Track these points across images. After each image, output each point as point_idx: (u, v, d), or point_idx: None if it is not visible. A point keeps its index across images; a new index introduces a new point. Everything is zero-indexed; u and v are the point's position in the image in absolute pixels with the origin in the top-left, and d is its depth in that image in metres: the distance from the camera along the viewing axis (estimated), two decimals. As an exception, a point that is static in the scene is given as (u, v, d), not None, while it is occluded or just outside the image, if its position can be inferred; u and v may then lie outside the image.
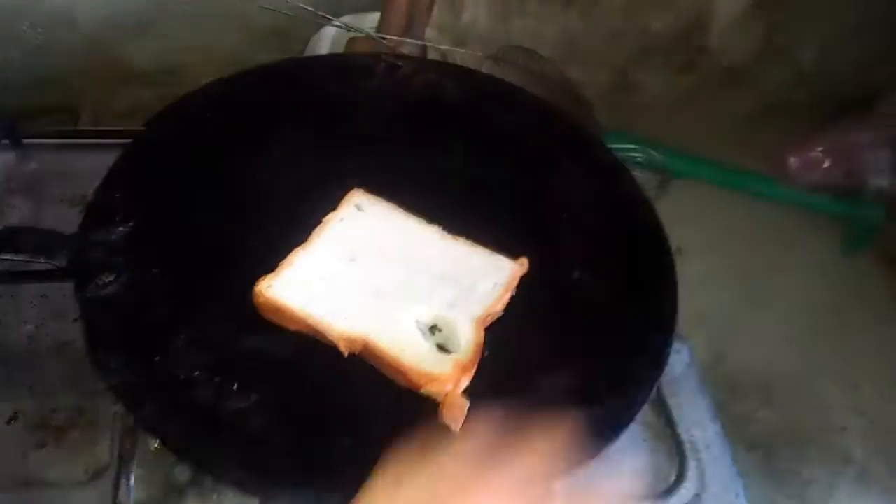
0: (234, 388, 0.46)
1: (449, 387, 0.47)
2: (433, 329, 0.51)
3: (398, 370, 0.47)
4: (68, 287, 0.50)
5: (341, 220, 0.55)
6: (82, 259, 0.50)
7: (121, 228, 0.53)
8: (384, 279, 0.52)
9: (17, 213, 0.66)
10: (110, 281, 0.50)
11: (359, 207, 0.56)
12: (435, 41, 0.96)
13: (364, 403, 0.48)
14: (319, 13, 0.91)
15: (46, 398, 0.54)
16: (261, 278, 0.50)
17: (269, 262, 0.52)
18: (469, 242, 0.55)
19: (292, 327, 0.50)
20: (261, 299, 0.49)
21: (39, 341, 0.57)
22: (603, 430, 0.48)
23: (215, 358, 0.48)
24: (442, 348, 0.49)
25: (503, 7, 1.07)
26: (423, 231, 0.56)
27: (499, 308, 0.52)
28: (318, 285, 0.51)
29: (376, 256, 0.53)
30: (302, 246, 0.53)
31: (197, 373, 0.47)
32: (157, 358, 0.47)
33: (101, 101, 1.04)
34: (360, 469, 0.43)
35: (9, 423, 0.53)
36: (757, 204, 1.16)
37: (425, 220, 0.56)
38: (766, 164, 1.18)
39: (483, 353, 0.49)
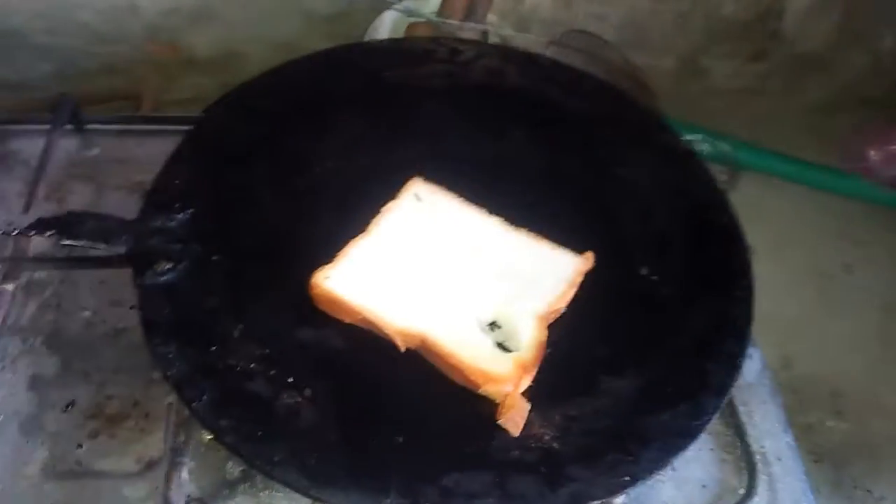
0: (290, 381, 0.45)
1: (509, 387, 0.45)
2: (493, 326, 0.49)
3: (456, 368, 0.46)
4: (126, 274, 0.49)
5: (400, 209, 0.54)
6: (141, 246, 0.50)
7: (180, 216, 0.52)
8: (443, 272, 0.50)
9: (79, 199, 0.66)
10: (169, 269, 0.49)
11: (418, 197, 0.55)
12: (496, 26, 0.94)
13: (420, 401, 0.46)
14: (378, -1, 0.90)
15: (102, 386, 0.54)
16: (318, 269, 0.49)
17: (328, 251, 0.50)
18: (532, 235, 0.53)
19: (348, 319, 0.48)
20: (317, 290, 0.48)
21: (96, 328, 0.57)
22: (672, 438, 0.45)
23: (272, 350, 0.47)
24: (502, 346, 0.47)
25: (567, -9, 1.04)
26: (483, 223, 0.54)
27: (562, 305, 0.50)
28: (375, 278, 0.49)
29: (436, 249, 0.52)
30: (360, 236, 0.51)
31: (253, 364, 0.46)
32: (214, 348, 0.46)
33: (162, 89, 1.05)
34: (413, 469, 0.42)
35: (65, 410, 0.53)
36: (831, 199, 1.10)
37: (486, 212, 0.54)
38: (841, 158, 1.12)
39: (545, 352, 0.47)
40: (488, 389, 0.45)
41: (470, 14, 0.90)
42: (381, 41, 0.86)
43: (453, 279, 0.50)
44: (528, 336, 0.47)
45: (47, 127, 0.67)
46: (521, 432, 0.44)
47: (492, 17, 0.95)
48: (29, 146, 0.69)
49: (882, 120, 1.13)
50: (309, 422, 0.44)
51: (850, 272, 1.06)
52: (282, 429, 0.43)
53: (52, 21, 1.02)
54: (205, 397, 0.43)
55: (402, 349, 0.47)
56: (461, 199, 0.55)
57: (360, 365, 0.47)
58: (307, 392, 0.45)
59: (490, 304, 0.49)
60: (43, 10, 1.00)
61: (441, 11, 0.89)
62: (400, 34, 0.90)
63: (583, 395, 0.47)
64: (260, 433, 0.42)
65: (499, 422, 0.44)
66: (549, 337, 0.48)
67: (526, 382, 0.46)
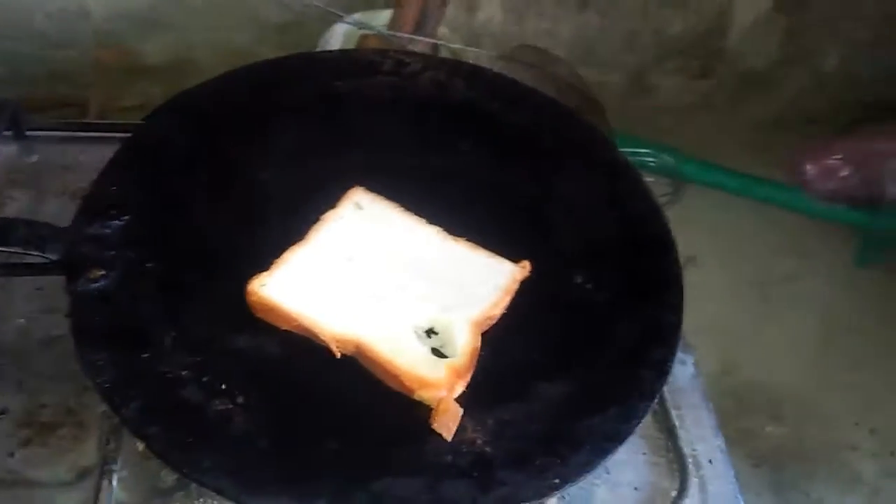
0: (223, 388, 0.45)
1: (443, 392, 0.45)
2: (429, 332, 0.49)
3: (391, 373, 0.46)
4: (62, 281, 0.49)
5: (340, 218, 0.54)
6: (74, 253, 0.49)
7: (115, 223, 0.52)
8: (381, 280, 0.51)
9: (17, 206, 0.65)
10: (102, 275, 0.49)
11: (358, 206, 0.55)
12: (447, 40, 0.95)
13: (354, 407, 0.46)
14: (331, 10, 0.90)
15: (35, 394, 0.53)
16: (254, 276, 0.49)
17: (266, 260, 0.50)
18: (469, 244, 0.54)
19: (285, 326, 0.49)
20: (254, 297, 0.48)
21: (30, 335, 0.56)
22: (601, 442, 0.46)
23: (205, 357, 0.46)
24: (437, 352, 0.48)
25: (518, 6, 1.06)
26: (422, 232, 0.54)
27: (497, 312, 0.51)
28: (312, 285, 0.50)
29: (374, 256, 0.52)
30: (298, 244, 0.52)
31: (185, 372, 0.46)
32: (146, 355, 0.46)
33: (110, 96, 1.04)
34: (345, 475, 0.42)
35: (-4, 418, 0.52)
36: (772, 212, 1.13)
37: (425, 221, 0.55)
38: (783, 172, 1.16)
39: (479, 358, 0.48)
40: (423, 395, 0.45)
41: (420, 27, 0.92)
42: (328, 52, 0.87)
43: (390, 286, 0.51)
44: (463, 342, 0.48)
45: (-15, 133, 0.66)
46: (455, 437, 0.45)
47: (443, 31, 0.97)
48: (-34, 152, 0.68)
49: (821, 136, 1.17)
50: (241, 429, 0.44)
51: (791, 282, 1.09)
52: (213, 436, 0.43)
53: (3, 25, 1.01)
54: (133, 404, 0.43)
55: (338, 355, 0.47)
56: (401, 208, 0.56)
57: (295, 372, 0.48)
58: (240, 399, 0.45)
59: (426, 311, 0.50)
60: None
61: (391, 24, 0.90)
62: (351, 46, 0.91)
63: (516, 400, 0.47)
64: (190, 440, 0.42)
65: (433, 426, 0.45)
66: (484, 343, 0.49)
67: (460, 388, 0.47)
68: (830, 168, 1.08)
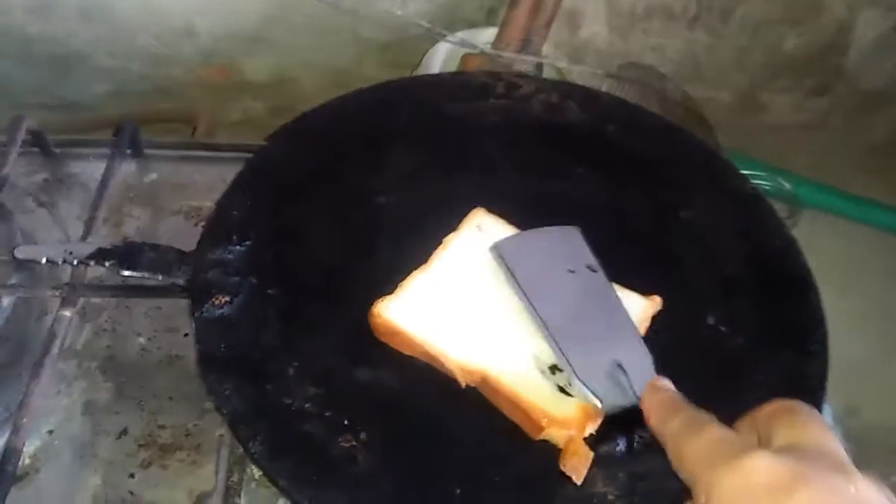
0: (345, 423, 0.44)
1: (572, 431, 0.43)
2: (553, 369, 0.47)
3: (519, 407, 0.44)
4: (180, 301, 0.49)
5: (462, 241, 0.52)
6: (199, 278, 0.49)
7: (238, 247, 0.52)
8: (505, 308, 0.49)
9: (136, 224, 0.67)
10: (226, 301, 0.49)
11: (480, 228, 0.53)
12: (551, 57, 0.93)
13: (479, 450, 0.45)
14: (434, 28, 0.90)
15: (154, 414, 0.54)
16: (379, 299, 0.48)
17: (386, 286, 0.49)
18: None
19: (408, 352, 0.47)
20: (378, 320, 0.47)
21: (151, 354, 0.57)
22: None
23: (327, 389, 0.46)
24: (563, 390, 0.46)
25: (624, 23, 1.03)
26: None
27: None
28: (436, 310, 0.48)
29: (497, 283, 0.50)
30: (421, 268, 0.50)
31: (308, 405, 0.45)
32: (269, 386, 0.45)
33: (215, 111, 1.06)
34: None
35: (119, 437, 0.52)
36: (894, 240, 1.06)
37: None
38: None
39: None
40: (551, 432, 0.43)
41: (525, 46, 0.90)
42: (440, 74, 0.86)
43: (515, 316, 0.49)
44: None
45: (107, 151, 0.68)
46: (584, 490, 0.42)
47: (546, 49, 0.95)
48: (88, 169, 0.70)
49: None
50: (364, 468, 0.42)
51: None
52: (337, 474, 0.42)
53: (113, 44, 1.05)
54: (260, 437, 0.42)
55: (463, 385, 0.46)
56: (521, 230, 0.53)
57: (418, 408, 0.46)
58: (363, 436, 0.44)
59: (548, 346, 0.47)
60: (105, 34, 1.02)
61: (496, 43, 0.89)
62: (454, 65, 0.90)
63: (650, 452, 0.45)
64: (315, 478, 0.41)
65: (562, 468, 0.42)
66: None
67: (590, 429, 0.44)
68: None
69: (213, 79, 1.09)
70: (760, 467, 0.32)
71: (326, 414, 0.44)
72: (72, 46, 1.03)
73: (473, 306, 0.49)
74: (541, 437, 0.44)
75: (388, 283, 0.49)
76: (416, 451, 0.44)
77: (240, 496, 0.47)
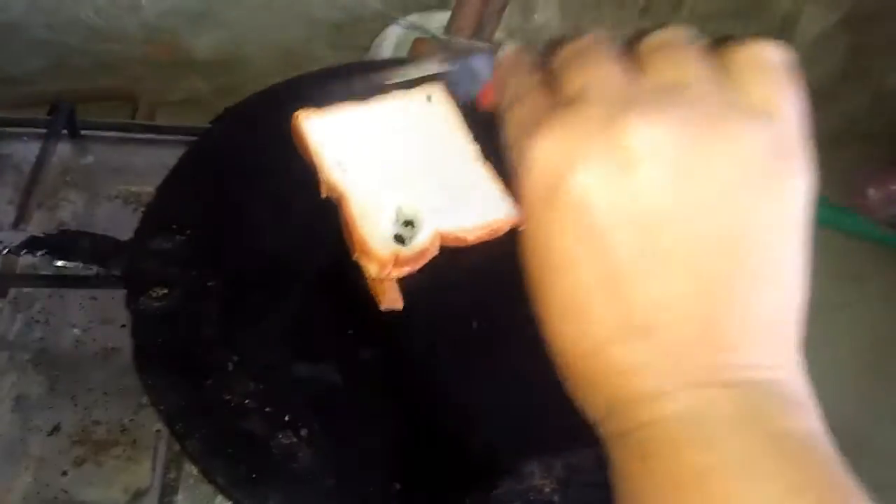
0: (286, 419, 0.44)
1: (375, 268, 0.45)
2: (407, 223, 0.47)
3: (350, 231, 0.46)
4: (117, 291, 0.48)
5: (408, 98, 0.53)
6: (136, 269, 0.48)
7: (178, 237, 0.50)
8: (404, 162, 0.50)
9: (72, 209, 0.64)
10: (164, 293, 0.47)
11: (429, 99, 0.53)
12: (504, 43, 0.93)
13: (418, 446, 0.45)
14: (387, 10, 0.88)
15: (89, 410, 0.52)
16: (306, 108, 0.49)
17: (332, 278, 0.49)
18: (493, 171, 0.51)
19: (306, 159, 0.49)
20: (294, 123, 0.49)
21: (86, 346, 0.56)
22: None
23: (267, 385, 0.45)
24: (399, 238, 0.46)
25: (577, 10, 1.03)
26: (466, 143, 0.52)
27: (469, 238, 0.48)
28: (346, 136, 0.49)
29: (414, 140, 0.51)
30: (362, 103, 0.51)
31: (247, 401, 0.44)
32: (209, 381, 0.44)
33: (159, 90, 1.03)
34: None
35: (50, 434, 0.51)
36: (829, 235, 1.09)
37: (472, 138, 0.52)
38: (840, 193, 1.12)
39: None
40: (360, 259, 0.45)
41: (478, 31, 0.89)
42: (389, 59, 0.85)
43: (405, 171, 0.49)
44: (422, 241, 0.46)
45: (42, 131, 0.65)
46: (522, 484, 0.43)
47: (499, 35, 0.94)
48: (21, 150, 0.67)
49: (883, 158, 1.13)
50: (305, 465, 0.42)
51: (845, 309, 1.05)
52: (276, 471, 0.41)
53: (51, 16, 1.00)
54: (197, 434, 0.42)
55: (324, 195, 0.47)
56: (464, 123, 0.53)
57: (358, 404, 0.46)
58: (303, 432, 0.43)
59: (416, 203, 0.48)
60: (42, 4, 0.97)
61: (449, 28, 0.88)
62: (406, 49, 0.89)
63: (585, 444, 0.45)
64: (254, 475, 0.41)
65: (381, 308, 0.45)
66: (535, 359, 0.46)
67: (394, 274, 0.46)
68: (893, 193, 1.04)
69: (156, 56, 1.05)
70: (580, 117, 0.27)
71: (266, 410, 0.44)
72: (6, 16, 0.98)
73: (379, 148, 0.50)
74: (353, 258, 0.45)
75: (333, 274, 0.49)
76: (356, 447, 0.44)
77: (177, 493, 0.46)
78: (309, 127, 0.49)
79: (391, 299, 0.46)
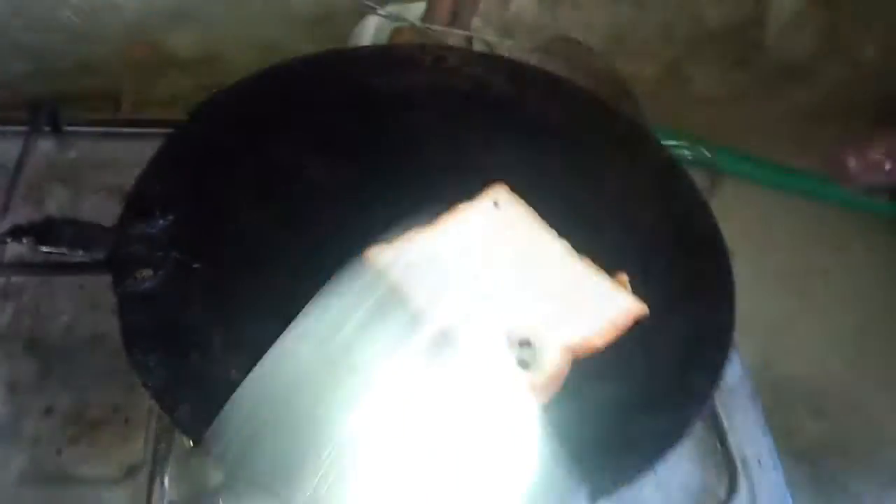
0: (271, 390, 0.45)
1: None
2: (523, 343, 0.47)
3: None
4: (105, 278, 0.49)
5: (475, 212, 0.53)
6: (121, 253, 0.49)
7: (161, 222, 0.51)
8: (494, 279, 0.49)
9: (56, 203, 0.65)
10: (149, 276, 0.48)
11: (496, 204, 0.54)
12: (481, 31, 0.94)
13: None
14: (364, 2, 0.89)
15: (81, 392, 0.53)
16: (375, 245, 0.49)
17: (311, 258, 0.50)
18: (590, 264, 0.52)
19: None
20: (367, 259, 0.48)
21: (75, 333, 0.57)
22: (652, 446, 0.45)
23: (251, 359, 0.46)
24: (523, 363, 0.46)
25: (553, -1, 1.05)
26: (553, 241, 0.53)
27: (598, 343, 0.48)
28: (425, 266, 0.48)
29: (502, 256, 0.51)
30: (427, 227, 0.51)
31: (234, 372, 0.45)
32: (195, 356, 0.46)
33: (141, 89, 1.03)
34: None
35: (44, 415, 0.52)
36: (811, 205, 1.11)
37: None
38: (822, 165, 1.14)
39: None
40: None
41: (455, 19, 0.90)
42: (366, 47, 0.86)
43: (497, 289, 0.49)
44: (550, 362, 0.47)
45: (25, 129, 0.66)
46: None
47: (476, 23, 0.95)
48: (5, 147, 0.68)
49: (863, 129, 1.15)
50: (291, 431, 0.43)
51: (829, 275, 1.07)
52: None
53: (31, 18, 1.01)
54: (184, 406, 0.43)
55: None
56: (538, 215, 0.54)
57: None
58: (289, 401, 0.45)
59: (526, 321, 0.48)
60: (22, 6, 0.98)
61: (426, 16, 0.89)
62: (384, 39, 0.90)
63: (566, 401, 0.47)
64: (241, 442, 0.42)
65: None
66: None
67: (542, 401, 0.46)
68: (873, 161, 1.06)
69: (138, 55, 1.06)
70: None
71: (252, 381, 0.45)
72: (-15, 21, 0.99)
73: (462, 272, 0.49)
74: None
75: (312, 254, 0.50)
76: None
77: (167, 466, 0.47)
78: (383, 262, 0.47)
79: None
